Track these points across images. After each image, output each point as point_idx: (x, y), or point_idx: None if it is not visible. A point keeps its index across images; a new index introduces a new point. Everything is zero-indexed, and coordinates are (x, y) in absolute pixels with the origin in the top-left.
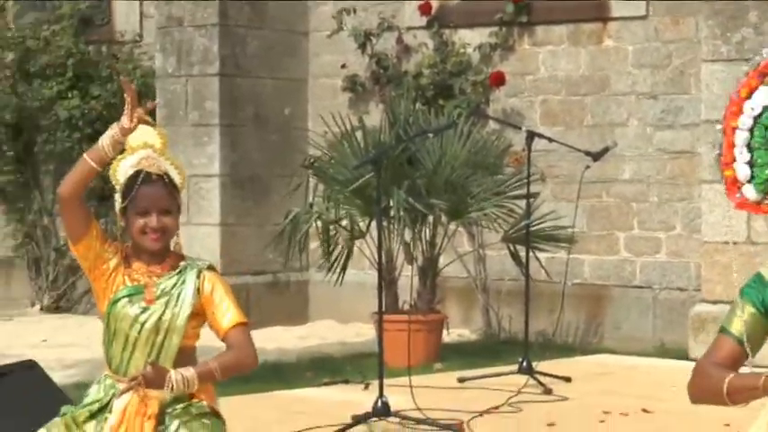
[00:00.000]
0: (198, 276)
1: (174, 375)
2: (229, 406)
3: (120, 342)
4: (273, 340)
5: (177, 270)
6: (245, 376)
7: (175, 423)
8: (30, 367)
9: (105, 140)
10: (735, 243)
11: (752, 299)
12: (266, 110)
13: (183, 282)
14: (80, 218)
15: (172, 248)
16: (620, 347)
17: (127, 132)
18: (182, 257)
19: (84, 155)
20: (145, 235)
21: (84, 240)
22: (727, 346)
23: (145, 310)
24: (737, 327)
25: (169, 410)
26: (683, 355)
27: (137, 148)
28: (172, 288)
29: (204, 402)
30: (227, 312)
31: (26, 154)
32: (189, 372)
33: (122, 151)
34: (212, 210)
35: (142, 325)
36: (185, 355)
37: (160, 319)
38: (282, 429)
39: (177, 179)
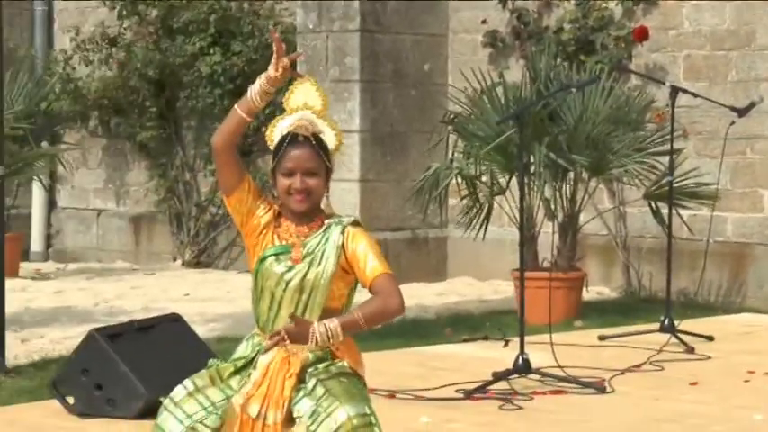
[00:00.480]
0: (342, 233)
1: (318, 328)
2: (369, 362)
3: (266, 300)
4: (412, 297)
5: (323, 228)
6: (385, 332)
7: (313, 381)
8: (174, 320)
9: (254, 91)
10: None
11: None
12: (406, 66)
13: (327, 240)
14: (233, 170)
15: (322, 208)
16: (763, 307)
17: (274, 82)
18: (329, 216)
19: (235, 106)
20: (290, 196)
21: (236, 193)
22: None
23: (290, 269)
24: None
25: (310, 369)
26: None
27: (296, 109)
28: (316, 247)
29: (346, 363)
30: (371, 263)
31: (168, 110)
32: (333, 323)
33: (275, 105)
34: (352, 166)
35: (287, 284)
36: (333, 314)
37: (304, 278)
38: (423, 385)
39: (331, 141)
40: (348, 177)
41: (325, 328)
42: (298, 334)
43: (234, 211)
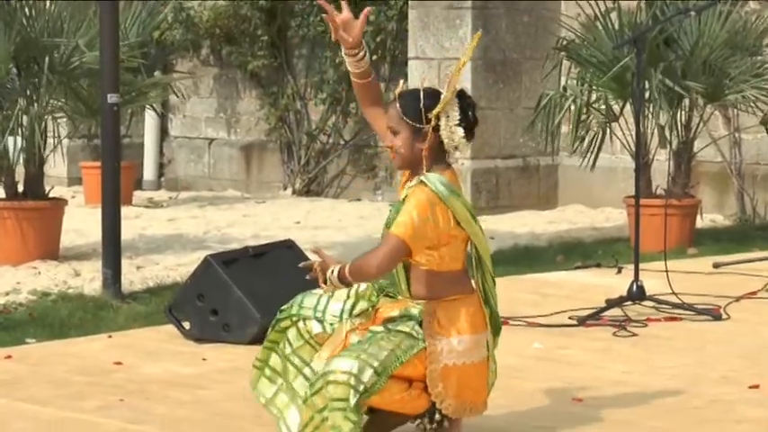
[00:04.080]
0: (411, 188)
1: (328, 273)
2: None
3: None
4: (524, 224)
5: (407, 185)
6: (497, 259)
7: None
8: (288, 247)
9: (346, 61)
10: None
11: None
12: None
13: (402, 195)
14: (375, 124)
15: (452, 150)
16: None
17: (349, 46)
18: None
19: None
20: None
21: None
22: None
23: (386, 219)
24: None
25: (393, 315)
26: None
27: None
28: (401, 204)
29: (412, 323)
30: (396, 221)
31: (280, 38)
32: (336, 270)
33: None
34: None
35: (384, 229)
36: (422, 276)
37: (387, 226)
38: (536, 311)
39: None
40: None
41: (332, 272)
42: (322, 270)
43: None
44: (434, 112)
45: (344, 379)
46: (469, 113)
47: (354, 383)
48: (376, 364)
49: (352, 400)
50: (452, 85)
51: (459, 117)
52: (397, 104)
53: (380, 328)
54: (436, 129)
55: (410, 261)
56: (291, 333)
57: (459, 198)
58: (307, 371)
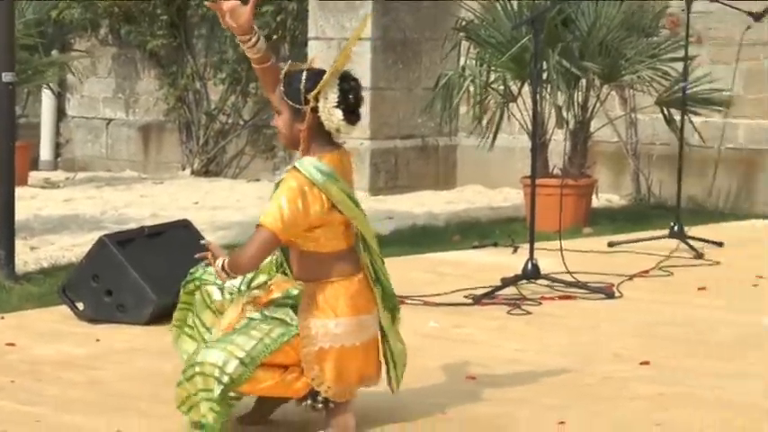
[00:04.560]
0: (285, 173)
1: (217, 264)
2: None
3: None
4: (422, 204)
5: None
6: (394, 239)
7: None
8: (184, 227)
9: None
10: None
11: None
12: None
13: (277, 180)
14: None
15: (334, 132)
16: None
17: (239, 33)
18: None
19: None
20: None
21: None
22: None
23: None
24: None
25: (275, 297)
26: None
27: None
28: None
29: (287, 309)
30: (265, 210)
31: (179, 18)
32: (221, 260)
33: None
34: (363, 73)
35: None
36: (300, 257)
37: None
38: (432, 290)
39: (310, 84)
40: None
41: (218, 264)
42: (214, 259)
43: None
44: (312, 93)
45: (210, 371)
46: (350, 96)
47: (218, 375)
48: (242, 354)
49: (216, 392)
50: (335, 66)
51: (337, 99)
52: (281, 85)
53: (257, 315)
54: (315, 110)
55: (301, 243)
56: (197, 297)
57: (337, 182)
58: (207, 336)
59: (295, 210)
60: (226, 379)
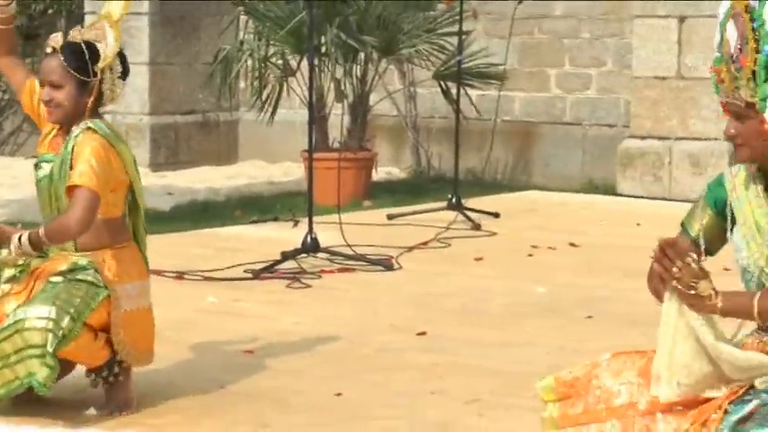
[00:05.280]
0: (76, 137)
1: (14, 240)
2: (159, 243)
3: (40, 204)
4: (203, 180)
5: (68, 135)
6: (174, 215)
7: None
8: None
9: None
10: (664, 78)
11: (709, 198)
12: None
13: (66, 146)
14: (13, 73)
15: (108, 102)
16: (549, 184)
17: None
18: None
19: None
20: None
21: (22, 97)
22: (683, 245)
23: (45, 176)
24: (695, 226)
25: (63, 269)
26: (611, 190)
27: (98, 20)
28: (63, 154)
29: (91, 271)
30: (76, 170)
31: None
32: (24, 236)
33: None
34: (141, 48)
35: (41, 190)
36: (100, 225)
37: (51, 183)
38: (212, 265)
39: (104, 50)
40: (137, 60)
41: (18, 241)
42: (2, 241)
43: (28, 112)
44: (101, 65)
45: (42, 325)
46: (125, 65)
47: (53, 328)
48: (72, 310)
49: (51, 346)
50: (117, 37)
51: (120, 69)
52: (61, 57)
53: (60, 279)
54: (101, 82)
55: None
56: None
57: (123, 143)
58: None
59: (106, 166)
60: (60, 333)
